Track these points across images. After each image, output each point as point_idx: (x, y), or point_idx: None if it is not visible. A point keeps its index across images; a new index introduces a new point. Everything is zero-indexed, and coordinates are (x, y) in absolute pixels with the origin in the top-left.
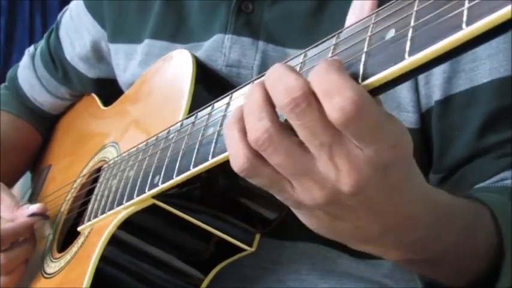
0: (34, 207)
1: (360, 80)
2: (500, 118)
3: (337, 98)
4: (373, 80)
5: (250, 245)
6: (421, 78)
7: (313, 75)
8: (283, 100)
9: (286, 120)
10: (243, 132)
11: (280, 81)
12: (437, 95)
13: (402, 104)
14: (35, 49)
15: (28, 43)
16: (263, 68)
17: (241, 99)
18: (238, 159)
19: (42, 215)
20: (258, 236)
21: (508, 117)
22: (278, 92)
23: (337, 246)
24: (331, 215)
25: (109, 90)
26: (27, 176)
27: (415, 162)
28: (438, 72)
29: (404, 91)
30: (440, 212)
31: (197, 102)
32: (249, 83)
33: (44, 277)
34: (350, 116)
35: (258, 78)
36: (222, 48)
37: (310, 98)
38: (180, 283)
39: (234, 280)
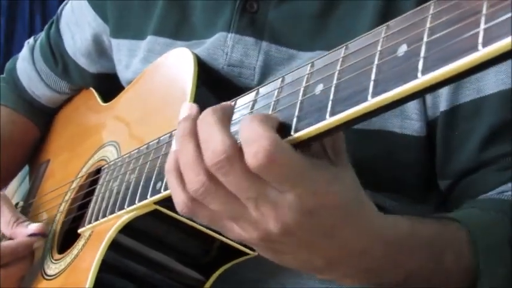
0: (34, 227)
1: (370, 97)
2: (505, 130)
3: (253, 146)
4: (385, 97)
5: (252, 249)
6: None
7: (240, 124)
8: (210, 161)
9: None
10: (180, 179)
11: (208, 141)
12: (443, 105)
13: (406, 112)
14: (35, 41)
15: None
16: (265, 68)
17: (248, 108)
18: (178, 204)
19: (41, 235)
20: None
21: None
22: (206, 152)
23: None
24: (272, 249)
25: (109, 85)
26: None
27: (360, 201)
28: None
29: None
30: (396, 243)
31: (199, 102)
32: (252, 91)
33: (45, 278)
34: (262, 163)
35: (261, 87)
36: (224, 47)
37: (233, 160)
38: (181, 287)
39: (235, 282)
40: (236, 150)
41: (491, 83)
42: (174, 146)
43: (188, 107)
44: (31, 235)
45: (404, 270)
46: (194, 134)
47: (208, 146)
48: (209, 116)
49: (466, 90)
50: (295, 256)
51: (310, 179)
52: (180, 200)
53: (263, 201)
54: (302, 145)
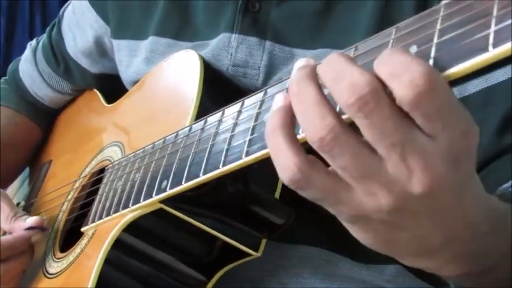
0: (32, 221)
1: None
2: None
3: (405, 75)
4: None
5: (256, 250)
6: None
7: (377, 62)
8: (349, 98)
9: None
10: (290, 138)
11: (342, 75)
12: None
13: None
14: (37, 43)
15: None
16: (270, 68)
17: (255, 108)
18: (287, 171)
19: (40, 228)
20: (264, 241)
21: None
22: (341, 88)
23: (339, 250)
24: (391, 224)
25: (111, 86)
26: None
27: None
28: None
29: None
30: (495, 220)
31: (205, 104)
32: (261, 91)
33: (46, 277)
34: (421, 91)
35: (271, 86)
36: (228, 47)
37: (380, 95)
38: (183, 287)
39: (235, 281)
40: (381, 83)
41: (500, 70)
42: (276, 105)
43: (304, 60)
44: (29, 228)
45: (496, 253)
46: (315, 77)
47: (343, 82)
48: (337, 57)
49: (475, 80)
50: (413, 233)
51: (461, 116)
52: (290, 163)
53: (411, 149)
54: None
